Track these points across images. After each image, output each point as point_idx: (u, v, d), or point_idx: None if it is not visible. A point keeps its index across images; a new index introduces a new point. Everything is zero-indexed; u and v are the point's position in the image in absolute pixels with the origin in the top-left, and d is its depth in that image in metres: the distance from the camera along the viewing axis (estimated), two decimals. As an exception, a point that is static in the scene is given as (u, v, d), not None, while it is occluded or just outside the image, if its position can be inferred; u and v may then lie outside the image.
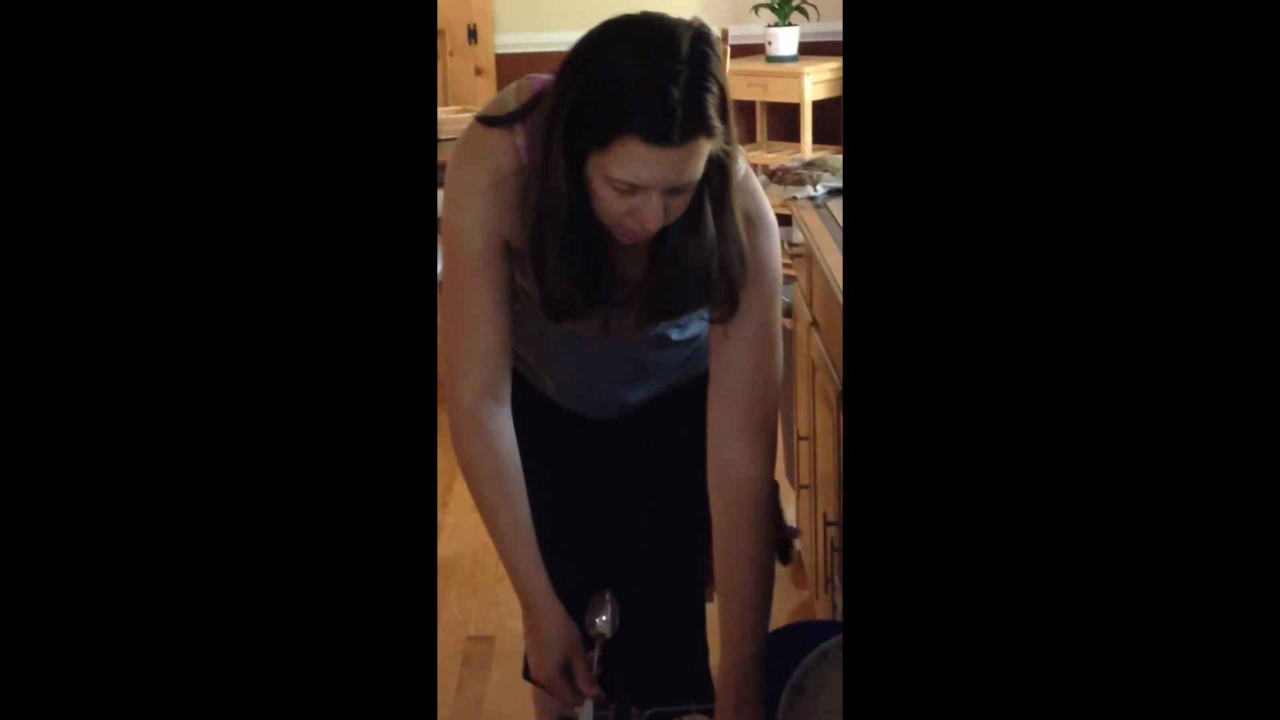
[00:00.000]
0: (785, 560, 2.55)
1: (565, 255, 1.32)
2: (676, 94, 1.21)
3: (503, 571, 2.46)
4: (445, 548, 2.53)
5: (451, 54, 4.39)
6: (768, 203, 1.45)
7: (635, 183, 1.25)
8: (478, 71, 4.47)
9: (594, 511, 1.67)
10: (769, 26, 4.61)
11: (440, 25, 4.36)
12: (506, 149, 1.36)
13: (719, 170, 1.32)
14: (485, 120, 1.38)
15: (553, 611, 1.43)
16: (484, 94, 4.43)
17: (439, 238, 1.36)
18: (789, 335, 2.48)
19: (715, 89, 1.24)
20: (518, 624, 2.19)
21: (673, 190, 1.27)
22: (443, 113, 3.49)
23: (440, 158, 3.10)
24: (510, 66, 4.58)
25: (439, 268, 1.33)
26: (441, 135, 3.39)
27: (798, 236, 2.29)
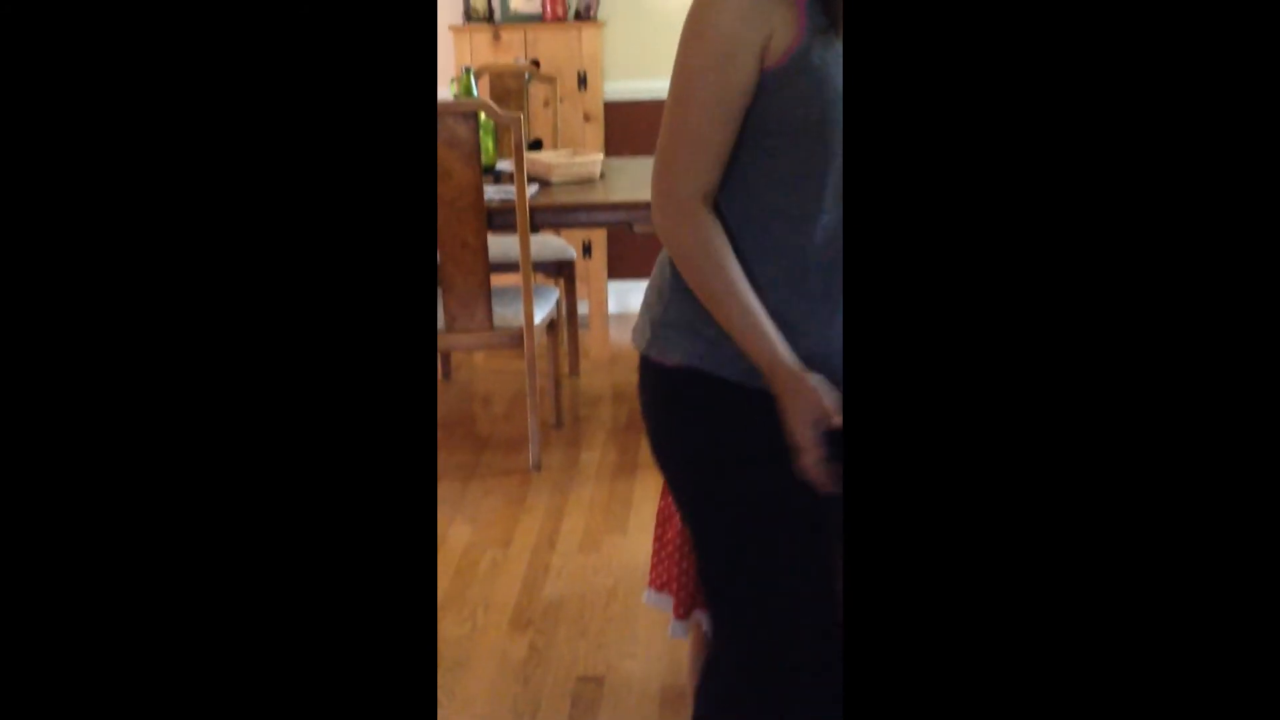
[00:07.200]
0: None
1: None
2: None
3: (612, 612, 2.48)
4: (553, 588, 2.54)
5: (562, 99, 4.46)
6: None
7: None
8: (586, 117, 4.54)
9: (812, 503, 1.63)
10: None
11: (551, 72, 4.43)
12: None
13: None
14: None
15: (797, 376, 1.37)
16: (593, 139, 4.48)
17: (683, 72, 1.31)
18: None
19: None
20: (626, 665, 2.21)
21: None
22: (554, 155, 3.54)
23: (535, 202, 3.14)
24: (618, 113, 4.64)
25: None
26: (553, 179, 3.43)
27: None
